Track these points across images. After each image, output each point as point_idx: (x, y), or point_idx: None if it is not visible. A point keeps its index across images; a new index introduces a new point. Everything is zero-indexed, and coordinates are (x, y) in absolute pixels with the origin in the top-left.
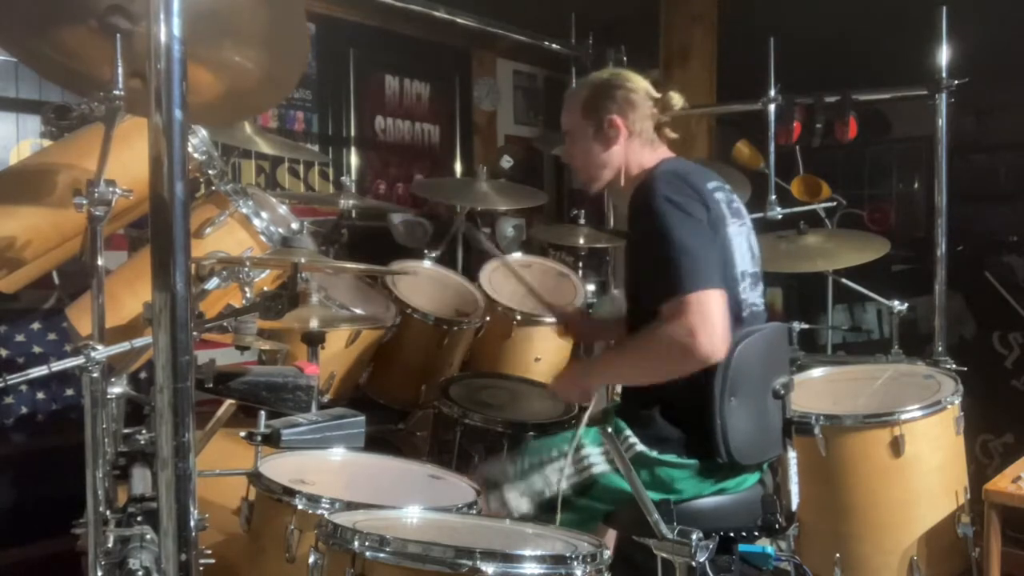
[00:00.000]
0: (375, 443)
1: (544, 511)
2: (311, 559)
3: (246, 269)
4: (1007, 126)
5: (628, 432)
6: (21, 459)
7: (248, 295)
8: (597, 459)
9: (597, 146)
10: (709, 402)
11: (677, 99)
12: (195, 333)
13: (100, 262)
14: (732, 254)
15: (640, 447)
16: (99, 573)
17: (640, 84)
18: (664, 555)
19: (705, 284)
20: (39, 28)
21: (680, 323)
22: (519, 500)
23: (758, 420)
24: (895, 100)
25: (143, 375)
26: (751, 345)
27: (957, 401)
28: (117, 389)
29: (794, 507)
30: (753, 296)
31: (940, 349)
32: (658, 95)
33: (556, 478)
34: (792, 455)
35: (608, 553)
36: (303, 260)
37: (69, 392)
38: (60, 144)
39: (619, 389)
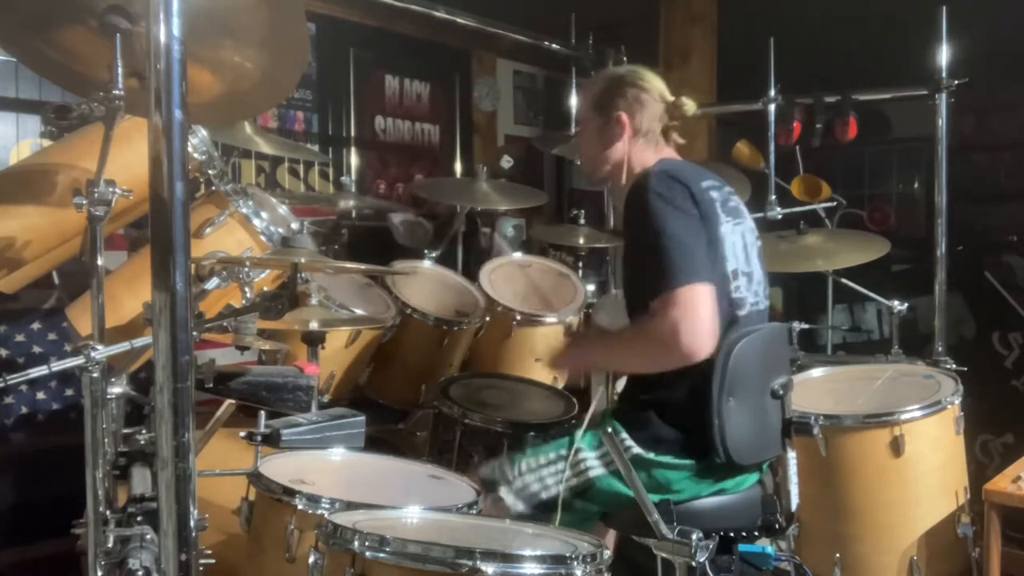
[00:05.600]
0: (375, 443)
1: (541, 512)
2: (311, 559)
3: (246, 269)
4: (1007, 126)
5: (624, 435)
6: (21, 459)
7: (248, 295)
8: (594, 463)
9: (601, 140)
10: (707, 402)
11: (690, 106)
12: (195, 333)
13: (100, 262)
14: (723, 252)
15: (636, 450)
16: (99, 573)
17: (655, 85)
18: (664, 555)
19: (692, 279)
20: (39, 28)
21: (665, 319)
22: (515, 502)
23: (756, 420)
24: (895, 100)
25: (143, 375)
26: (749, 345)
27: (957, 401)
28: (117, 389)
29: (794, 507)
30: (750, 295)
31: (940, 349)
32: (671, 98)
33: (553, 481)
34: (792, 455)
35: (608, 553)
36: (303, 260)
37: (69, 392)
38: (60, 144)
39: (619, 391)
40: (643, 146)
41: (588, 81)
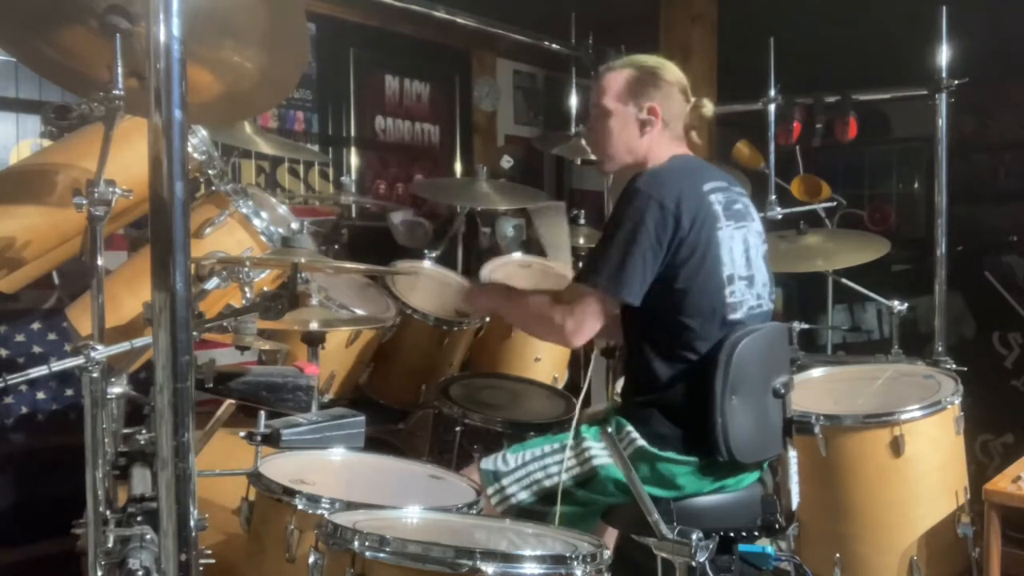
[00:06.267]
0: (375, 443)
1: (544, 502)
2: (311, 559)
3: (246, 269)
4: (1007, 126)
5: (629, 427)
6: (21, 459)
7: (248, 295)
8: (598, 452)
9: (631, 130)
10: (710, 400)
11: (708, 108)
12: (195, 333)
13: (100, 262)
14: (719, 256)
15: (641, 442)
16: (99, 573)
17: (679, 79)
18: (664, 555)
19: (604, 285)
20: (39, 28)
21: (571, 309)
22: (519, 491)
23: (758, 419)
24: (895, 100)
25: (143, 375)
26: (751, 344)
27: (957, 401)
28: (117, 389)
29: (794, 507)
30: (750, 297)
31: (940, 349)
32: (692, 98)
33: (556, 469)
34: (792, 454)
35: (608, 553)
36: (303, 260)
37: (69, 392)
38: (60, 144)
39: (619, 388)
40: (666, 140)
41: (610, 68)
